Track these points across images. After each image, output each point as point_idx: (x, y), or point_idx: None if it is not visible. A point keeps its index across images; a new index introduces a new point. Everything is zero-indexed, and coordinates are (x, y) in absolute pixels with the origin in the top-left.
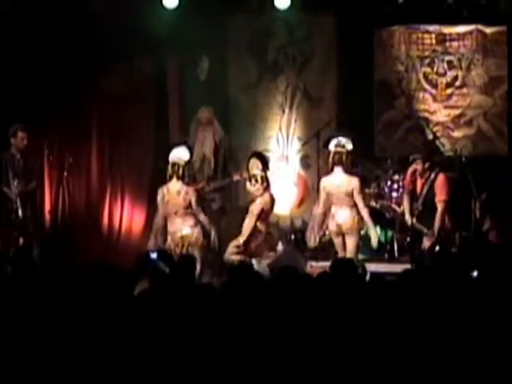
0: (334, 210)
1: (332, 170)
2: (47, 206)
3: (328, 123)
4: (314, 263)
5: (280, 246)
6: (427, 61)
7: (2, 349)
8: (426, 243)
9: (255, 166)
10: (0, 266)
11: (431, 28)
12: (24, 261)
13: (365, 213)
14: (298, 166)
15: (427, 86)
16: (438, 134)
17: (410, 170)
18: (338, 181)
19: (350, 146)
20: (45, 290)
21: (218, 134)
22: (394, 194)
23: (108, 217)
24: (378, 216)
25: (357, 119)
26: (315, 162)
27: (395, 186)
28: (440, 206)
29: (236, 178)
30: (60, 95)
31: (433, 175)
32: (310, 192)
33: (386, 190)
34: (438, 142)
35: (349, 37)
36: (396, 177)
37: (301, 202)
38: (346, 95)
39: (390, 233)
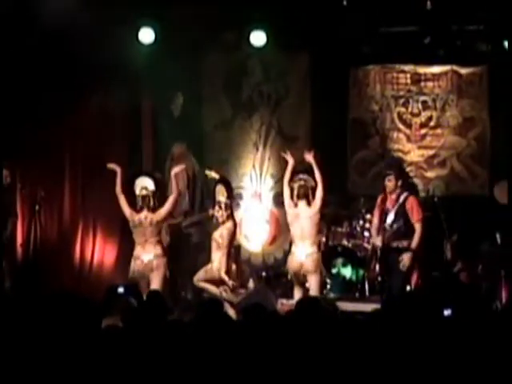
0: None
1: (296, 205)
2: (19, 239)
3: (302, 161)
4: (284, 301)
5: (251, 283)
6: (402, 100)
7: None
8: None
9: (221, 193)
10: None
11: (406, 68)
12: None
13: None
14: (271, 204)
15: (401, 126)
16: (411, 174)
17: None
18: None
19: (311, 183)
20: (15, 320)
21: (192, 169)
22: (366, 234)
23: (80, 250)
24: (349, 255)
25: (330, 157)
26: None
27: (367, 225)
28: (418, 226)
29: (212, 212)
30: (33, 129)
31: (402, 197)
32: (282, 229)
33: (358, 228)
34: (410, 182)
35: (323, 75)
36: (368, 216)
37: (273, 240)
38: (320, 133)
39: (361, 272)
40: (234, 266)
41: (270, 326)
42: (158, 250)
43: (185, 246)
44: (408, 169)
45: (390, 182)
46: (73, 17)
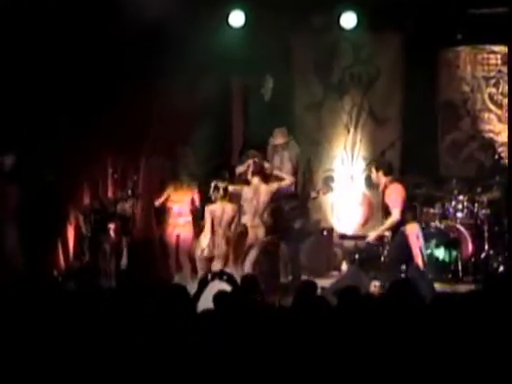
0: None
1: None
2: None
3: (393, 143)
4: (377, 283)
5: (344, 266)
6: (493, 81)
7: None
8: None
9: None
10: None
11: (497, 48)
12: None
13: None
14: (363, 186)
15: (492, 107)
16: (503, 155)
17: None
18: None
19: None
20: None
21: (295, 156)
22: (459, 215)
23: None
24: (442, 236)
25: (421, 139)
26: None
27: (460, 206)
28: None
29: (313, 195)
30: (124, 115)
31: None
32: (374, 211)
33: (451, 210)
34: (502, 163)
35: (414, 57)
36: (461, 197)
37: (365, 222)
38: (410, 115)
39: (454, 253)
40: None
41: (364, 308)
42: None
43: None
44: (500, 149)
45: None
46: (163, 2)
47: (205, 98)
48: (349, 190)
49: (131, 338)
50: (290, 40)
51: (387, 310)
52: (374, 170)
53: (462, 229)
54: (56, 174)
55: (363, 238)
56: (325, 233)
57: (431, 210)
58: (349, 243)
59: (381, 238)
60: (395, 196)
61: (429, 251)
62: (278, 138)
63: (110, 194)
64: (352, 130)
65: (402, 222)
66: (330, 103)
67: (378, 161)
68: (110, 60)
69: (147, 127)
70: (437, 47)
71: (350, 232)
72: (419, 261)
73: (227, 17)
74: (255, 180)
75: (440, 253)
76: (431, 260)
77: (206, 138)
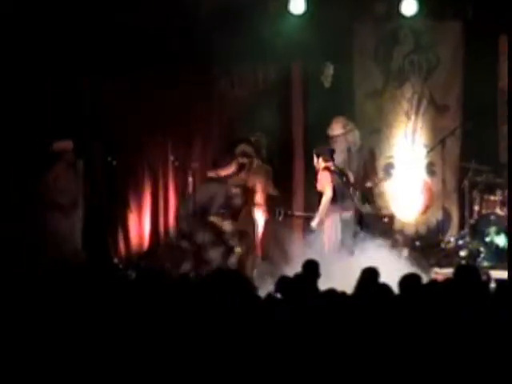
0: None
1: None
2: (172, 212)
3: (453, 130)
4: (438, 270)
5: (405, 253)
6: None
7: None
8: None
9: None
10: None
11: None
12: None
13: None
14: (424, 173)
15: None
16: None
17: None
18: None
19: None
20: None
21: (353, 144)
22: None
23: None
24: (503, 223)
25: (482, 126)
26: (440, 169)
27: None
28: None
29: (369, 184)
30: (183, 97)
31: None
32: (434, 199)
33: None
34: None
35: (475, 44)
36: None
37: (426, 209)
38: (470, 102)
39: None
40: None
41: (427, 295)
42: None
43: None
44: None
45: None
46: None
47: (265, 84)
48: (409, 178)
49: (191, 325)
50: (350, 27)
51: (452, 296)
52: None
53: None
54: (117, 159)
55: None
56: (386, 220)
57: (491, 198)
58: (409, 230)
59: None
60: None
61: (489, 238)
62: (335, 129)
63: (170, 181)
64: (413, 117)
65: None
66: (390, 91)
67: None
68: (173, 45)
69: (209, 114)
70: (497, 34)
71: (410, 219)
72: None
73: (288, 4)
74: None
75: (500, 240)
76: (491, 247)
77: (266, 125)
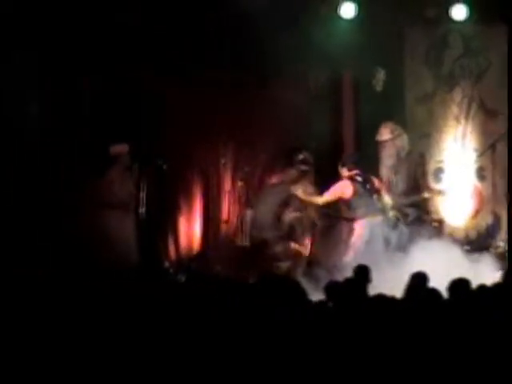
0: None
1: None
2: (224, 216)
3: (503, 135)
4: None
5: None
6: None
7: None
8: None
9: None
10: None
11: None
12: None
13: None
14: (474, 177)
15: None
16: None
17: None
18: None
19: None
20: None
21: (402, 149)
22: None
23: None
24: None
25: None
26: (490, 174)
27: None
28: None
29: (426, 195)
30: (235, 101)
31: None
32: (484, 203)
33: None
34: None
35: None
36: None
37: (476, 214)
38: None
39: None
40: None
41: (477, 300)
42: None
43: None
44: None
45: None
46: None
47: (316, 88)
48: (459, 182)
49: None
50: (400, 31)
51: (501, 302)
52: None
53: None
54: (168, 163)
55: None
56: (435, 224)
57: None
58: (459, 234)
59: None
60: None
61: None
62: (383, 135)
63: (221, 185)
64: (463, 121)
65: None
66: (440, 95)
67: None
68: (224, 48)
69: (260, 118)
70: None
71: (460, 224)
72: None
73: (338, 8)
74: None
75: None
76: None
77: (317, 129)
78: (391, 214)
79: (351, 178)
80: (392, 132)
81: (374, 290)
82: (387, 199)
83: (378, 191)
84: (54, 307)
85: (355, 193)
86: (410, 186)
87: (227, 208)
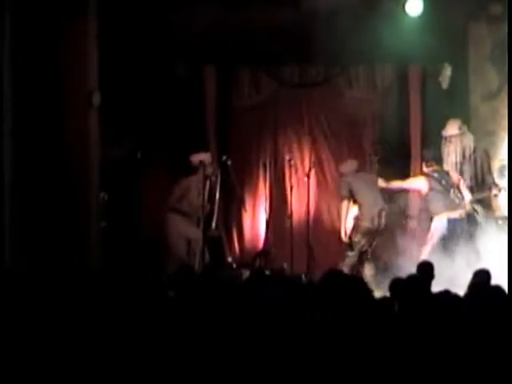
0: None
1: None
2: (289, 210)
3: None
4: None
5: None
6: None
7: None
8: None
9: None
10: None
11: None
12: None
13: None
14: None
15: None
16: None
17: None
18: None
19: None
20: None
21: (468, 146)
22: None
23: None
24: None
25: None
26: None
27: None
28: None
29: (494, 192)
30: (301, 96)
31: None
32: None
33: None
34: None
35: None
36: None
37: None
38: None
39: None
40: None
41: None
42: None
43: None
44: None
45: None
46: None
47: (383, 85)
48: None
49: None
50: (465, 28)
51: None
52: None
53: None
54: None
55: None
56: (500, 222)
57: None
58: None
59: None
60: None
61: None
62: (449, 130)
63: (286, 181)
64: None
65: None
66: (505, 93)
67: None
68: (292, 44)
69: (326, 114)
70: None
71: None
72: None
73: (404, 5)
74: None
75: None
76: None
77: (384, 126)
78: (468, 208)
79: (427, 174)
80: (460, 128)
81: (450, 285)
82: (466, 194)
83: (455, 186)
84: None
85: (431, 188)
86: (476, 182)
87: (292, 204)
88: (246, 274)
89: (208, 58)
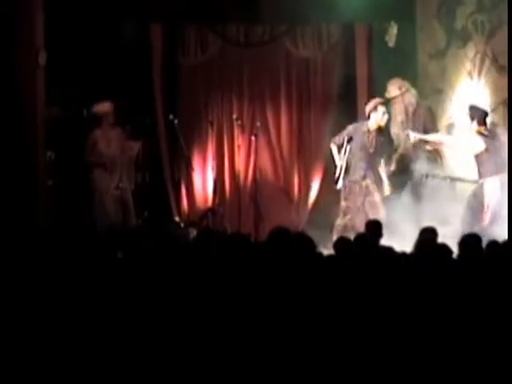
0: None
1: None
2: (235, 170)
3: None
4: None
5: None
6: None
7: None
8: None
9: None
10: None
11: None
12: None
13: None
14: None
15: None
16: None
17: None
18: None
19: None
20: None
21: (411, 104)
22: None
23: (298, 185)
24: None
25: None
26: (503, 131)
27: None
28: None
29: (428, 147)
30: (248, 56)
31: None
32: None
33: None
34: None
35: None
36: None
37: None
38: None
39: None
40: None
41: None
42: None
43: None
44: None
45: None
46: None
47: (329, 45)
48: (470, 138)
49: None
50: None
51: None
52: None
53: None
54: (179, 118)
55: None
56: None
57: None
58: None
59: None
60: None
61: None
62: (391, 91)
63: (234, 140)
64: (475, 77)
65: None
66: (453, 50)
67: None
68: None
69: (274, 73)
70: None
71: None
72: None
73: None
74: None
75: None
76: None
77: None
78: None
79: (481, 133)
80: (400, 88)
81: None
82: None
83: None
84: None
85: (487, 149)
86: None
87: (239, 163)
88: (194, 233)
89: (154, 16)
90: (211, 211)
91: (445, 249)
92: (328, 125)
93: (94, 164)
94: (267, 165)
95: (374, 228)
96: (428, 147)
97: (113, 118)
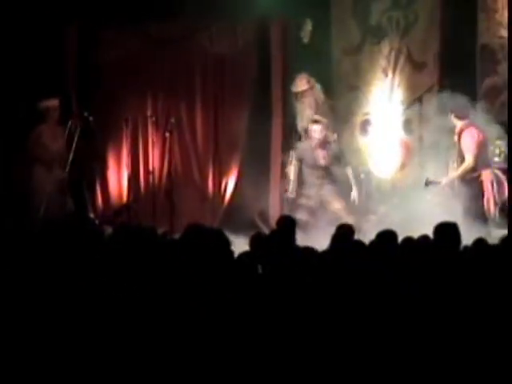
0: None
1: None
2: (150, 167)
3: (431, 88)
4: None
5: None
6: None
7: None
8: None
9: None
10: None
11: None
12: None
13: None
14: (401, 131)
15: None
16: None
17: None
18: None
19: None
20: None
21: (320, 99)
22: (496, 159)
23: (212, 180)
24: None
25: (460, 83)
26: (417, 127)
27: (497, 151)
28: None
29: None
30: (163, 52)
31: None
32: (411, 157)
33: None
34: None
35: (453, 1)
36: (498, 142)
37: (403, 166)
38: (448, 60)
39: None
40: None
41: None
42: None
43: None
44: None
45: None
46: None
47: (244, 42)
48: (386, 135)
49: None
50: None
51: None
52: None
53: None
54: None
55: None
56: (362, 176)
57: None
58: (385, 187)
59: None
60: (469, 140)
61: None
62: (300, 85)
63: (148, 137)
64: (390, 74)
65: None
66: (367, 47)
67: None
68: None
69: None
70: None
71: (387, 176)
72: (492, 209)
73: None
74: None
75: None
76: None
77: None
78: None
79: (472, 125)
80: (308, 82)
81: None
82: None
83: None
84: None
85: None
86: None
87: (154, 160)
88: (109, 230)
89: (72, 12)
90: (126, 208)
91: (359, 244)
92: (243, 121)
93: (36, 159)
94: (182, 161)
95: (286, 224)
96: None
97: (58, 115)
